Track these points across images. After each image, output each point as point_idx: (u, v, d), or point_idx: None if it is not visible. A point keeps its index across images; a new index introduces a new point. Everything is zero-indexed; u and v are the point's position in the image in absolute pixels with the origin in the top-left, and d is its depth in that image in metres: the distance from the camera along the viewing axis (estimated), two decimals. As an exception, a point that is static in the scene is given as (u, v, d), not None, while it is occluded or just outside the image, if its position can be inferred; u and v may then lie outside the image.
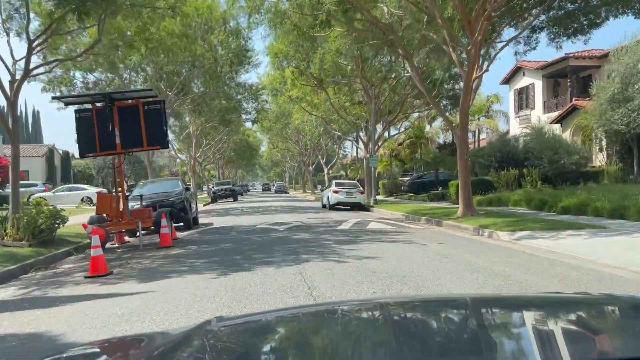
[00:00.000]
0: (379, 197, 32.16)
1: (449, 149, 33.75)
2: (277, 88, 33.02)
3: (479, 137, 38.52)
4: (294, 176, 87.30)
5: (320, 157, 49.10)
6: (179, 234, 14.89)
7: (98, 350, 1.79)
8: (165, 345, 1.53)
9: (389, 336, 1.50)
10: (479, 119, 39.20)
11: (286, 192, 74.78)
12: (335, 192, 26.01)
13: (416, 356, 1.27)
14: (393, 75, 28.38)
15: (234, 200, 44.03)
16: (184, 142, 47.56)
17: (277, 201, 40.29)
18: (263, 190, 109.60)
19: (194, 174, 44.94)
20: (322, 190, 51.54)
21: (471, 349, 1.33)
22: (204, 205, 38.66)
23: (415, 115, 36.18)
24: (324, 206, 28.76)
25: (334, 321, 1.75)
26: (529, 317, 1.66)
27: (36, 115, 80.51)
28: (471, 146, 36.29)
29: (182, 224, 16.67)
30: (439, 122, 42.26)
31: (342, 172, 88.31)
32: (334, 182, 27.66)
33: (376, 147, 31.61)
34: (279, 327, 1.74)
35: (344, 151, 66.79)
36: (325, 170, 48.38)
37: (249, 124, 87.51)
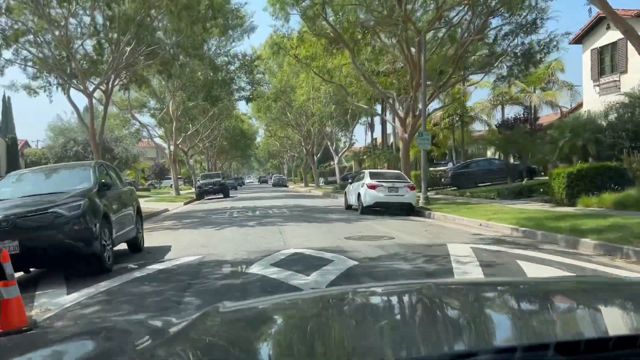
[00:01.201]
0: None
1: (515, 127, 24.24)
2: (279, 44, 23.40)
3: (535, 114, 29.15)
4: (293, 168, 77.61)
5: (329, 143, 39.46)
6: (65, 297, 5.62)
7: (104, 335, 1.67)
8: (172, 333, 1.44)
9: (398, 322, 1.48)
10: (535, 90, 29.76)
11: (285, 186, 65.19)
12: (372, 187, 16.54)
13: (428, 340, 1.25)
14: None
15: (224, 197, 34.56)
16: (164, 126, 37.89)
17: (278, 198, 30.89)
18: (260, 182, 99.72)
19: (174, 164, 35.35)
20: (335, 183, 42.40)
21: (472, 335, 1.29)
22: (185, 203, 29.17)
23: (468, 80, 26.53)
24: (349, 207, 19.38)
25: (343, 306, 1.67)
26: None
27: (6, 102, 70.19)
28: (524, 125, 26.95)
29: (90, 264, 7.30)
30: (481, 95, 32.62)
31: (347, 164, 78.75)
32: (367, 172, 18.10)
33: (416, 125, 22.15)
34: (286, 313, 1.68)
35: (352, 138, 57.28)
36: (336, 160, 38.75)
37: (242, 108, 77.87)
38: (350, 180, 19.88)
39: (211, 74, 31.98)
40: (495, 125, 29.30)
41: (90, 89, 18.88)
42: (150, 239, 11.74)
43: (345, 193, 20.32)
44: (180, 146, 43.59)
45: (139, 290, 6.43)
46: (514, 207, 15.55)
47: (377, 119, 39.98)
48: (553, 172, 15.40)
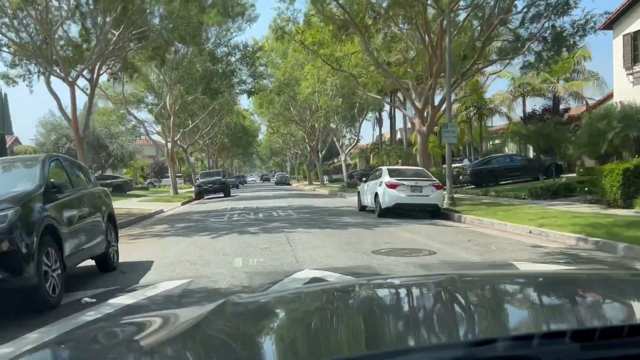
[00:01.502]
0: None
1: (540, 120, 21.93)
2: (283, 28, 21.12)
3: (557, 105, 26.80)
4: (296, 165, 75.33)
5: (335, 139, 37.09)
6: None
7: (121, 328, 1.69)
8: (187, 325, 1.44)
9: (410, 313, 1.47)
10: (558, 81, 27.44)
11: (288, 184, 62.99)
12: (392, 186, 14.28)
13: (446, 328, 1.27)
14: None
15: (225, 196, 32.36)
16: (162, 121, 35.67)
17: (282, 197, 28.71)
18: (262, 180, 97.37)
19: (172, 161, 33.14)
20: (340, 181, 40.20)
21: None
22: (183, 203, 26.99)
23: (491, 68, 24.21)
24: (362, 208, 17.17)
25: (355, 299, 1.69)
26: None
27: (3, 98, 68.04)
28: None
29: (24, 299, 5.10)
30: (500, 86, 30.23)
31: (351, 161, 76.51)
32: (385, 169, 15.75)
33: (436, 117, 19.87)
34: (299, 305, 1.69)
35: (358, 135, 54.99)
36: (343, 157, 36.40)
37: (244, 104, 75.59)
38: (364, 179, 17.63)
39: (210, 65, 29.81)
40: (522, 117, 26.95)
41: (74, 76, 16.68)
42: (131, 251, 9.55)
43: (359, 193, 18.08)
44: (179, 143, 41.46)
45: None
46: (558, 209, 13.29)
47: (385, 114, 37.84)
48: (604, 168, 13.11)
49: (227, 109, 44.63)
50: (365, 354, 1.06)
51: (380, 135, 37.86)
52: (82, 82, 18.62)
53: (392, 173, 14.98)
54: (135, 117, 33.46)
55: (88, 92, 17.40)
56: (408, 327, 1.28)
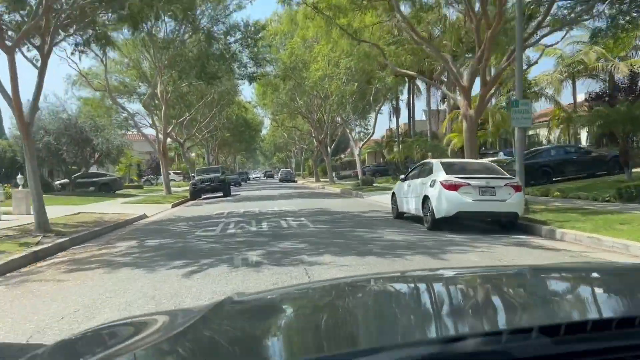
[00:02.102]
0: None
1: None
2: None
3: (635, 82, 22.17)
4: (301, 161, 71.01)
5: (348, 131, 32.47)
6: None
7: (118, 328, 1.68)
8: (187, 322, 1.42)
9: (409, 309, 1.50)
10: (616, 58, 22.92)
11: (293, 181, 58.73)
12: (452, 186, 9.92)
13: (418, 325, 1.30)
14: None
15: (224, 196, 28.13)
16: (153, 111, 31.36)
17: (289, 197, 24.49)
18: (266, 177, 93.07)
19: (165, 157, 28.81)
20: (350, 178, 35.68)
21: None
22: (173, 205, 22.76)
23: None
24: (399, 215, 12.89)
25: (354, 295, 1.72)
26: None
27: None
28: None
29: None
30: (546, 66, 25.71)
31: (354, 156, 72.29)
32: (438, 162, 11.20)
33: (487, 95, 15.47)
34: (299, 302, 1.70)
35: (369, 127, 50.65)
36: (357, 151, 31.74)
37: (246, 94, 71.22)
38: (402, 177, 13.30)
39: (205, 45, 25.50)
40: (587, 97, 22.52)
41: (14, 41, 12.38)
42: (11, 303, 5.30)
43: (394, 194, 13.76)
44: (176, 136, 37.23)
45: None
46: None
47: (402, 104, 33.46)
48: None
49: (228, 99, 40.38)
50: (330, 355, 1.07)
51: (398, 126, 33.46)
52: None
53: (448, 168, 10.62)
54: (122, 107, 29.13)
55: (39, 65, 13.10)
56: (381, 325, 1.27)
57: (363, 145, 29.79)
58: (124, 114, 35.03)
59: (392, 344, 1.05)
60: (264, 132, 73.43)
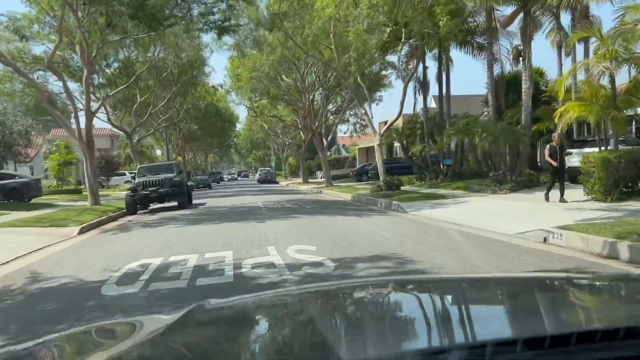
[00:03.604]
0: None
1: None
2: None
3: None
4: (283, 159, 60.80)
5: (365, 109, 21.98)
6: None
7: (89, 334, 1.63)
8: (158, 330, 1.37)
9: (380, 316, 1.45)
10: None
11: (275, 182, 48.72)
12: None
13: (400, 337, 1.23)
14: None
15: (180, 207, 18.16)
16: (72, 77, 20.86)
17: (283, 212, 14.73)
18: (240, 177, 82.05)
19: (88, 147, 18.42)
20: (348, 178, 25.37)
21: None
22: (81, 230, 12.67)
23: None
24: None
25: (324, 302, 1.68)
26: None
27: None
28: None
29: None
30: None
31: (348, 154, 62.23)
32: None
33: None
34: (271, 309, 1.64)
35: (361, 118, 40.98)
36: (377, 139, 20.47)
37: (218, 76, 60.65)
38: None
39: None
40: None
41: None
42: None
43: None
44: (112, 121, 26.91)
45: None
46: None
47: (432, 74, 23.74)
48: None
49: (192, 75, 30.13)
50: None
51: (425, 104, 23.77)
52: None
53: None
54: (26, 77, 18.50)
55: None
56: (365, 336, 1.22)
57: (387, 129, 19.79)
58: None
59: (375, 357, 1.02)
60: (239, 127, 63.16)
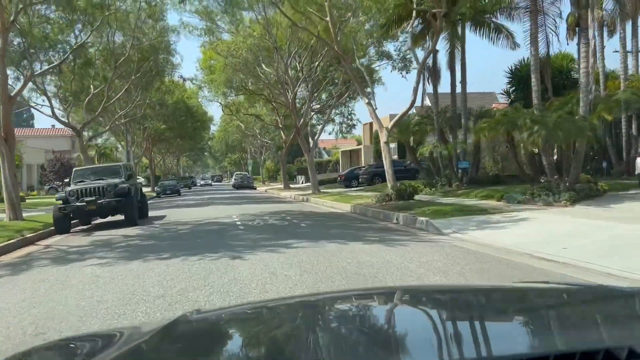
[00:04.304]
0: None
1: None
2: None
3: None
4: (261, 163, 55.98)
5: (366, 99, 17.49)
6: None
7: (71, 345, 1.60)
8: (141, 339, 1.36)
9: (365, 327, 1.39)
10: None
11: (252, 187, 44.04)
12: None
13: (398, 349, 1.17)
14: None
15: (128, 222, 13.50)
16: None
17: (281, 242, 10.27)
18: (213, 181, 76.29)
19: (8, 145, 13.58)
20: (344, 183, 20.80)
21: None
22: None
23: None
24: None
25: (313, 312, 1.61)
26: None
27: None
28: None
29: None
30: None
31: (330, 157, 57.65)
32: None
33: None
34: (258, 319, 1.60)
35: (349, 117, 36.78)
36: (384, 136, 15.50)
37: (187, 67, 57.03)
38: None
39: None
40: None
41: None
42: None
43: None
44: (69, 120, 22.28)
45: None
46: None
47: (442, 61, 19.54)
48: None
49: (156, 64, 25.51)
50: None
51: (436, 95, 19.52)
52: None
53: None
54: None
55: None
56: (352, 348, 1.18)
57: (398, 122, 15.32)
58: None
59: None
60: (214, 129, 58.24)
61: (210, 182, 70.65)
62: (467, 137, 18.58)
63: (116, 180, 13.59)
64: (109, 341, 1.41)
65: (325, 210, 16.89)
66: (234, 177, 51.77)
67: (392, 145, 39.90)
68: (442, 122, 19.31)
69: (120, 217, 13.88)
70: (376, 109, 15.93)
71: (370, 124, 49.83)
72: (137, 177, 21.10)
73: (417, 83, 14.93)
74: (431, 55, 18.28)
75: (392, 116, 22.82)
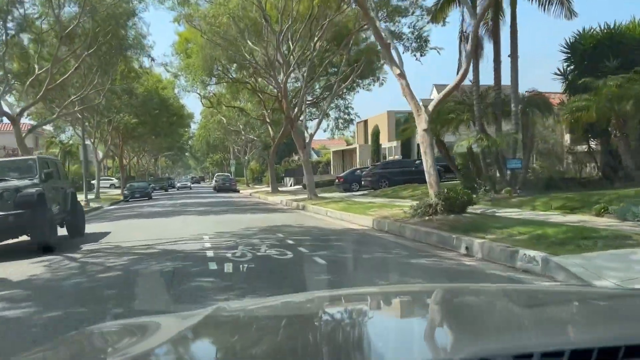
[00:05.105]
0: None
1: None
2: None
3: None
4: (245, 163, 50.64)
5: (392, 65, 13.08)
6: None
7: (111, 331, 1.59)
8: (180, 329, 1.37)
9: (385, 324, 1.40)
10: None
11: (235, 190, 38.87)
12: None
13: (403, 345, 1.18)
14: None
15: (43, 248, 8.45)
16: None
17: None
18: (192, 182, 68.71)
19: None
20: (338, 186, 15.50)
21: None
22: None
23: None
24: None
25: (343, 308, 1.61)
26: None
27: None
28: None
29: None
30: None
31: (320, 157, 52.40)
32: None
33: None
34: (291, 314, 1.58)
35: (345, 111, 32.10)
36: (423, 124, 11.10)
37: (158, 53, 52.02)
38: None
39: None
40: None
41: None
42: None
43: None
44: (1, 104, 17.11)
45: None
46: None
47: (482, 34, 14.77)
48: None
49: (118, 39, 20.41)
50: None
51: (476, 73, 14.59)
52: None
53: None
54: None
55: None
56: (385, 345, 1.17)
57: (442, 101, 10.67)
58: None
59: None
60: (194, 127, 52.90)
61: (189, 184, 61.20)
62: (518, 128, 13.90)
63: (19, 183, 8.47)
64: (146, 331, 1.37)
65: (335, 225, 11.97)
66: (214, 178, 46.46)
67: (395, 143, 35.15)
68: (484, 108, 14.59)
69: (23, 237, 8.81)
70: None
71: (365, 122, 44.92)
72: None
73: (474, 38, 10.10)
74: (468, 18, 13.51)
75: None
